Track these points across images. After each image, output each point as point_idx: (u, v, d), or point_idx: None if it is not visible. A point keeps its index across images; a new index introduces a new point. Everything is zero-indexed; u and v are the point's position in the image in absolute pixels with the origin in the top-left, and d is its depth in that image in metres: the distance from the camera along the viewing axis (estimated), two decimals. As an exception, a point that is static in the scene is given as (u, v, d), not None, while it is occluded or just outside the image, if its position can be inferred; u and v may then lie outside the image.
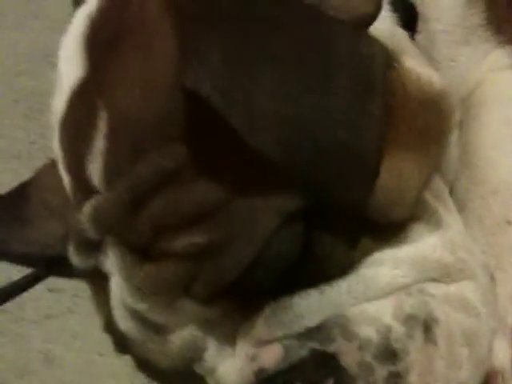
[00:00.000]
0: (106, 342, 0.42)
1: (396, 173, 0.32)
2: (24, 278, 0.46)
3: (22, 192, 0.48)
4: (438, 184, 0.38)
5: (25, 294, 0.46)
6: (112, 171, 0.32)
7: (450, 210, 0.38)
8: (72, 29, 0.37)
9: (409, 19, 0.43)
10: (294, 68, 0.29)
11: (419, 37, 0.45)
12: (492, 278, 0.38)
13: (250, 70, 0.28)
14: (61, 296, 0.46)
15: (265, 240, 0.30)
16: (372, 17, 0.32)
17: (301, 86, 0.28)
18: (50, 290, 0.47)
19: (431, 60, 0.45)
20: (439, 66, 0.47)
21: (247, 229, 0.30)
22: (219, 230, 0.31)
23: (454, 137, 0.41)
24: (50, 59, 0.39)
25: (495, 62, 0.50)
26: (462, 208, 0.42)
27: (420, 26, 0.45)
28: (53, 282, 0.47)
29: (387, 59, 0.33)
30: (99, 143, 0.33)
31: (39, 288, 0.47)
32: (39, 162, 0.49)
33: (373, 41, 0.32)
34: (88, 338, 0.43)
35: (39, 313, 0.45)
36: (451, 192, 0.41)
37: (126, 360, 0.41)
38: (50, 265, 0.46)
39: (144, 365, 0.40)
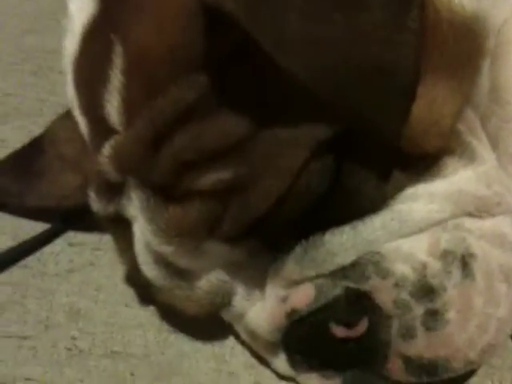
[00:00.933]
0: (130, 293, 0.42)
1: (429, 100, 0.30)
2: (43, 232, 0.45)
3: (35, 146, 0.47)
4: (471, 117, 0.36)
5: (45, 250, 0.46)
6: (130, 108, 0.31)
7: (483, 143, 0.36)
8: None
9: None
10: None
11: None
12: (530, 214, 0.36)
13: None
14: (82, 249, 0.45)
15: (293, 173, 0.29)
16: None
17: (333, 2, 0.26)
18: (71, 245, 0.46)
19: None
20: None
21: (274, 162, 0.29)
22: (245, 165, 0.29)
23: (485, 67, 0.39)
24: (57, 17, 0.37)
25: None
26: (494, 147, 0.40)
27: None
28: (73, 236, 0.46)
29: None
30: (116, 80, 0.31)
31: (59, 243, 0.46)
32: (49, 119, 0.48)
33: None
34: (112, 290, 0.42)
35: (61, 267, 0.44)
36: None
37: (152, 310, 0.41)
38: (67, 218, 0.46)
39: (170, 314, 0.39)
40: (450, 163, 0.33)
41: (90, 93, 0.34)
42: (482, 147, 0.35)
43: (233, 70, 0.29)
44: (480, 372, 0.37)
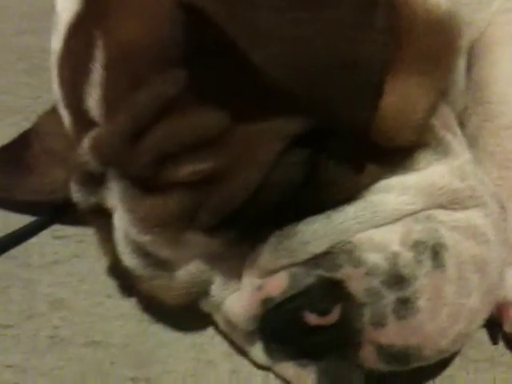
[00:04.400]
0: (113, 284, 0.42)
1: (403, 95, 0.31)
2: (29, 224, 0.46)
3: (23, 141, 0.48)
4: (447, 112, 0.37)
5: (30, 241, 0.46)
6: (111, 101, 0.32)
7: (458, 138, 0.37)
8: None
9: None
10: None
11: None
12: (503, 208, 0.37)
13: None
14: (67, 242, 0.46)
15: (270, 164, 0.30)
16: None
17: (300, 0, 0.27)
18: (56, 237, 0.46)
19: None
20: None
21: (251, 153, 0.30)
22: (223, 156, 0.30)
23: (461, 66, 0.40)
24: (52, 17, 0.38)
25: (505, 2, 0.48)
26: (472, 146, 0.41)
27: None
28: (58, 229, 0.47)
29: None
30: (97, 74, 0.32)
31: (44, 235, 0.47)
32: (41, 115, 0.48)
33: None
34: (95, 281, 0.43)
35: (45, 259, 0.45)
36: (461, 129, 0.40)
37: (134, 301, 0.42)
38: (55, 212, 0.47)
39: (152, 304, 0.40)
40: (424, 157, 0.34)
41: (72, 87, 0.35)
42: (457, 142, 0.36)
43: (211, 64, 0.30)
44: (455, 363, 0.38)
